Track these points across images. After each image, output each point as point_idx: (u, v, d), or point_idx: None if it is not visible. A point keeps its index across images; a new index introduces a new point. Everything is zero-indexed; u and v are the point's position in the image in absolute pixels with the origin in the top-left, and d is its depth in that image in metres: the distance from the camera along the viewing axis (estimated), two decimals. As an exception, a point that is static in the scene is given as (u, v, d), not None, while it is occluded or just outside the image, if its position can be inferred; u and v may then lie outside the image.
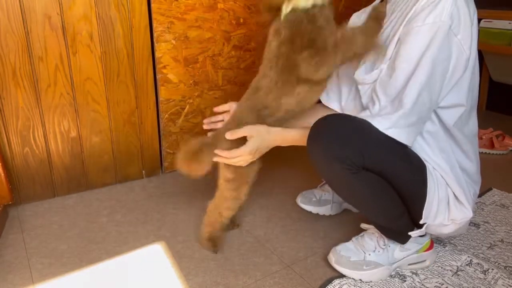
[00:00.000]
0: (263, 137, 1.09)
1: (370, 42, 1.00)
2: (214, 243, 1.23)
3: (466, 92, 1.02)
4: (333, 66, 1.02)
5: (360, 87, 1.11)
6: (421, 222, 1.07)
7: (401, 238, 1.11)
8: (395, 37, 1.01)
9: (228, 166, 1.15)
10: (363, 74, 1.08)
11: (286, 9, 1.02)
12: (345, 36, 1.00)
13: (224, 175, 1.19)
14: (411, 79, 0.95)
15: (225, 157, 1.09)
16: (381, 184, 1.02)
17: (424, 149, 1.06)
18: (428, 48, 0.93)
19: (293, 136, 1.11)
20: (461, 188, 1.07)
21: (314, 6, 1.00)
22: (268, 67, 1.08)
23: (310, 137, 1.00)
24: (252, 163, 1.15)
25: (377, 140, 0.97)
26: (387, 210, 1.07)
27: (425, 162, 1.05)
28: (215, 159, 1.10)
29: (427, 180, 1.03)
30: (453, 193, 1.07)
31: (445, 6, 0.92)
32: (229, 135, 1.08)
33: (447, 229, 1.11)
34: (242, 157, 1.09)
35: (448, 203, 1.07)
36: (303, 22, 0.99)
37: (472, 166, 1.11)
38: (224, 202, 1.21)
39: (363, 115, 0.99)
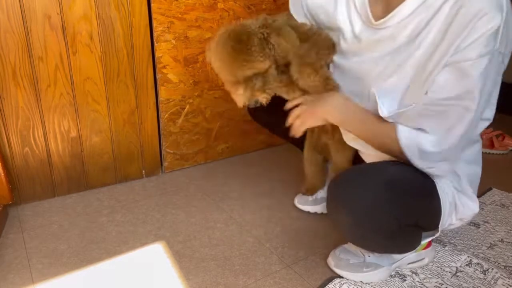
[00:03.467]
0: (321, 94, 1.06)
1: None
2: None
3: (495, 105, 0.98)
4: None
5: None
6: (437, 235, 1.06)
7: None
8: (435, 70, 0.89)
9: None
10: (387, 110, 0.96)
11: None
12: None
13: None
14: (465, 117, 0.87)
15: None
16: (409, 232, 1.01)
17: None
18: (485, 84, 0.85)
19: (357, 117, 1.02)
20: (467, 180, 1.04)
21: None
22: None
23: (332, 205, 0.95)
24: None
25: (404, 191, 0.93)
26: (412, 247, 1.07)
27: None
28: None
29: (439, 196, 0.99)
30: (457, 189, 1.03)
31: (498, 33, 0.81)
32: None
33: (453, 226, 1.10)
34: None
35: (455, 204, 1.04)
36: None
37: (475, 148, 1.07)
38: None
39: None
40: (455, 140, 0.89)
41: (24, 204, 1.49)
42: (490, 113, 0.98)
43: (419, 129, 0.91)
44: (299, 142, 1.39)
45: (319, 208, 1.42)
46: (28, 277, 1.13)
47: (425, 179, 0.97)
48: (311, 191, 1.44)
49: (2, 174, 1.36)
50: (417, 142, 0.90)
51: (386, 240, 0.99)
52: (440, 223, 1.02)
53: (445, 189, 1.01)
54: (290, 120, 1.08)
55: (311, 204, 1.43)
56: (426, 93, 0.90)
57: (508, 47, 0.86)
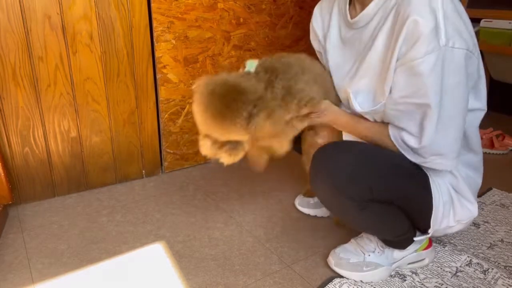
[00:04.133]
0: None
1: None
2: None
3: (485, 95, 0.99)
4: None
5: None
6: (429, 231, 1.06)
7: (402, 247, 1.11)
8: (390, 68, 0.93)
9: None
10: (361, 107, 1.02)
11: None
12: None
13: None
14: (439, 122, 0.90)
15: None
16: (388, 212, 1.01)
17: None
18: (442, 80, 0.87)
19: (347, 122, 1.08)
20: (465, 183, 1.05)
21: None
22: None
23: (314, 170, 0.97)
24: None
25: (385, 168, 0.96)
26: (393, 231, 1.07)
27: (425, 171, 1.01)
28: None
29: (431, 191, 1.00)
30: (455, 190, 1.04)
31: (439, 25, 0.85)
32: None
33: (452, 230, 1.10)
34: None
35: (453, 204, 1.04)
36: None
37: (476, 157, 1.08)
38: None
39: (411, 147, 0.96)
40: (431, 136, 0.91)
41: (24, 204, 1.49)
42: (478, 103, 1.00)
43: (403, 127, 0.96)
44: (297, 146, 1.39)
45: (320, 212, 1.42)
46: (28, 277, 1.13)
47: (417, 168, 1.00)
48: (312, 194, 1.44)
49: (2, 174, 1.36)
50: (402, 139, 0.96)
51: (360, 213, 0.98)
52: (433, 218, 1.02)
53: (440, 186, 1.01)
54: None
55: (312, 207, 1.43)
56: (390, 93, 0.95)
57: (466, 42, 0.88)
